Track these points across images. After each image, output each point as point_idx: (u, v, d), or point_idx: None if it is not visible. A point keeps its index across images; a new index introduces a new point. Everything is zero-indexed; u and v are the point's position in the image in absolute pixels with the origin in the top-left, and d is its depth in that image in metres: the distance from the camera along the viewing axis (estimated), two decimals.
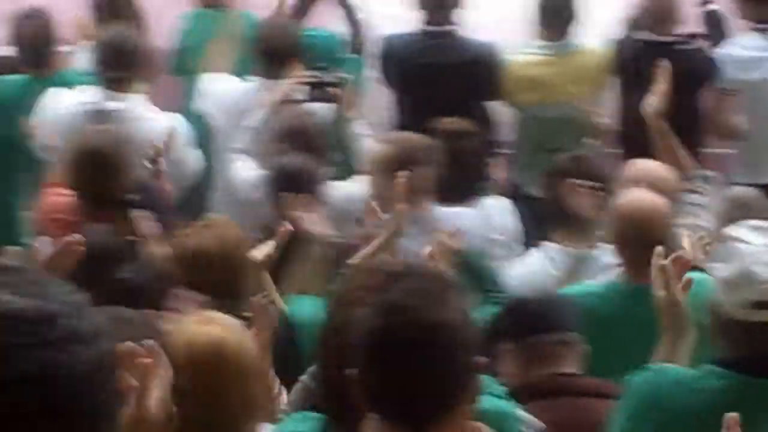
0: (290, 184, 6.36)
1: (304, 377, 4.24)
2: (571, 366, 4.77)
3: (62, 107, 7.53)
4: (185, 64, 8.54)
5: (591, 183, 6.29)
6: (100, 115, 7.32)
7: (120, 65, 7.52)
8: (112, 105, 7.37)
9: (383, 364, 3.00)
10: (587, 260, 6.29)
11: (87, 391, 1.69)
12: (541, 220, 6.84)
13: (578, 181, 6.36)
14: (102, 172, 6.40)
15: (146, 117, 7.37)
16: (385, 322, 2.97)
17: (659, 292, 4.34)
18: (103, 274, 5.06)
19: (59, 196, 6.57)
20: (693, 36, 8.31)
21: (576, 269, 6.25)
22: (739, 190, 6.74)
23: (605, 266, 6.09)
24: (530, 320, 4.88)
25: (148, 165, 6.90)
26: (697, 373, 4.09)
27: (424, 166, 6.44)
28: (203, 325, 3.75)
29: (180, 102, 8.43)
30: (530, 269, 6.28)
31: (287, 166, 6.47)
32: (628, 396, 4.22)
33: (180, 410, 3.31)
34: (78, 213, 6.33)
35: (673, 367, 4.23)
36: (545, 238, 6.46)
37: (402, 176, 6.09)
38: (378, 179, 6.51)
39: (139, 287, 5.20)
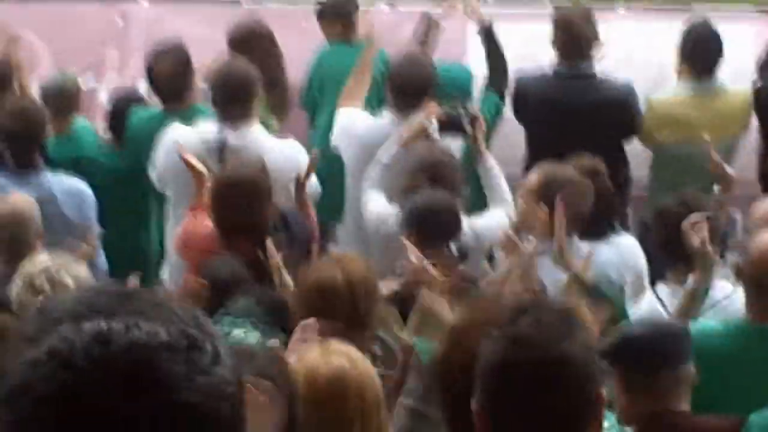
0: (429, 220, 6.39)
1: (409, 401, 4.31)
2: (681, 402, 4.74)
3: (182, 140, 7.57)
4: (314, 98, 8.64)
5: (706, 221, 6.21)
6: (220, 148, 7.41)
7: (237, 99, 7.64)
8: (231, 137, 7.42)
9: (507, 396, 2.94)
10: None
11: (234, 412, 1.67)
12: (658, 258, 6.83)
13: (695, 220, 6.30)
14: (242, 203, 6.53)
15: (266, 147, 7.46)
16: (511, 355, 2.93)
17: None
18: (222, 302, 5.30)
19: (200, 223, 6.71)
20: None
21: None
22: None
23: (718, 303, 6.13)
24: (642, 355, 4.84)
25: (293, 193, 7.00)
26: None
27: (571, 198, 6.43)
28: (327, 356, 3.79)
29: (307, 135, 8.52)
30: (643, 310, 6.25)
31: (428, 202, 6.48)
32: None
33: None
34: (217, 240, 6.49)
35: None
36: (662, 276, 6.46)
37: (558, 204, 6.20)
38: (525, 206, 6.55)
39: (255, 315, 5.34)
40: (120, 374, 1.57)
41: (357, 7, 8.92)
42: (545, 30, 8.44)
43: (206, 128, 7.62)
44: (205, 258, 6.61)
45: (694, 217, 6.39)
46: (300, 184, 6.80)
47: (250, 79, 7.76)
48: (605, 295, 6.17)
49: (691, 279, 6.23)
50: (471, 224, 6.77)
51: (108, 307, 1.64)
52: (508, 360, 2.93)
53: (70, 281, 5.78)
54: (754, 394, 5.09)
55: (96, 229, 7.45)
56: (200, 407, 1.59)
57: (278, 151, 7.42)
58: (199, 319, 1.68)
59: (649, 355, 4.82)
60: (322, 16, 8.79)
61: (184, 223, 7.00)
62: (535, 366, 2.93)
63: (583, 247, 6.56)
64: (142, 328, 1.59)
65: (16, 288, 6.14)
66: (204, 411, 1.59)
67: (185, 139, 7.61)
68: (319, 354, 3.92)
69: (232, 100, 7.66)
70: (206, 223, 6.69)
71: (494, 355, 2.95)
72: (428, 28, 8.68)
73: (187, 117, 7.85)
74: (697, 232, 6.23)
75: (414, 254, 6.10)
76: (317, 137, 8.42)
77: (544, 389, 2.94)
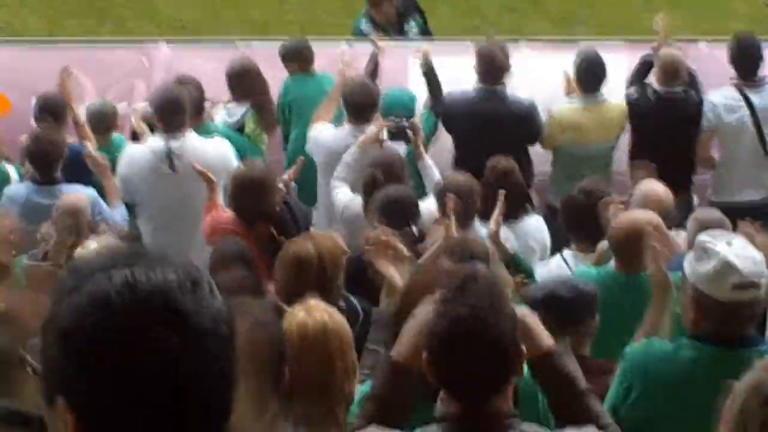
0: (397, 209, 6.37)
1: (373, 345, 4.28)
2: (584, 347, 4.69)
3: (137, 154, 7.58)
4: (284, 118, 8.57)
5: (616, 201, 6.21)
6: (167, 153, 7.38)
7: (174, 114, 7.53)
8: (173, 144, 7.42)
9: (447, 361, 2.99)
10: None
11: (231, 330, 1.73)
12: (564, 232, 6.79)
13: (608, 199, 6.30)
14: (255, 194, 6.46)
15: (200, 148, 7.41)
16: (452, 332, 2.97)
17: (652, 269, 4.61)
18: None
19: (222, 213, 6.70)
20: (688, 88, 8.23)
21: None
22: (700, 211, 6.73)
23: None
24: (568, 313, 4.70)
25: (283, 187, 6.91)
26: (676, 345, 4.09)
27: (468, 198, 6.48)
28: (311, 312, 3.87)
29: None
30: (550, 269, 6.24)
31: (393, 194, 6.49)
32: (624, 364, 4.16)
33: (298, 376, 3.47)
34: (237, 225, 6.46)
35: (659, 340, 4.26)
36: (566, 245, 6.41)
37: (450, 199, 6.16)
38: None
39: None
40: (148, 311, 1.62)
41: (309, 48, 8.82)
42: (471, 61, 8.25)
43: (154, 141, 7.62)
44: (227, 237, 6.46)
45: (611, 198, 6.37)
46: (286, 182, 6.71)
47: (182, 98, 7.72)
48: (520, 263, 6.17)
49: (599, 246, 6.17)
50: None
51: (127, 260, 1.67)
52: (449, 335, 2.96)
53: None
54: (620, 331, 4.90)
55: (109, 220, 7.19)
56: (209, 330, 1.65)
57: (210, 149, 7.51)
58: (192, 264, 1.73)
59: (573, 313, 4.71)
60: (283, 58, 8.70)
61: (209, 216, 6.96)
62: (470, 341, 2.96)
63: (483, 229, 6.55)
64: (158, 274, 1.64)
65: None
66: (212, 332, 1.65)
67: (139, 151, 7.67)
68: (304, 311, 3.88)
69: (170, 115, 7.64)
70: (227, 213, 6.66)
71: (438, 329, 2.98)
72: (375, 65, 8.60)
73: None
74: (612, 210, 6.17)
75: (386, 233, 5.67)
76: (291, 146, 8.41)
77: (477, 358, 2.97)
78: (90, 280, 1.66)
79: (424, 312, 3.16)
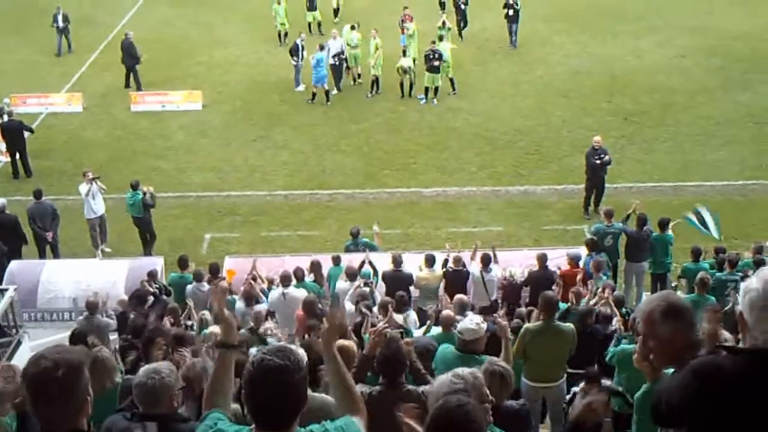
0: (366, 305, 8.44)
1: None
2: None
3: (274, 295, 9.64)
4: (330, 280, 11.07)
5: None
6: (283, 294, 9.54)
7: (287, 282, 9.76)
8: (284, 291, 9.75)
9: (384, 368, 3.95)
10: None
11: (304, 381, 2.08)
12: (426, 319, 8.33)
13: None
14: (309, 308, 7.88)
15: (294, 293, 9.63)
16: (386, 361, 3.97)
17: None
18: None
19: (300, 313, 8.43)
20: (463, 267, 11.11)
21: None
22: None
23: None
24: (428, 356, 5.30)
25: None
26: (450, 351, 4.96)
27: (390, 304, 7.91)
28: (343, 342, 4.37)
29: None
30: (422, 333, 7.36)
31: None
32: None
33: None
34: (303, 318, 7.90)
35: (445, 347, 5.16)
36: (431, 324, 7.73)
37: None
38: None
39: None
40: (265, 373, 2.04)
41: (339, 257, 11.25)
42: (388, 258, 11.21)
43: (276, 291, 9.90)
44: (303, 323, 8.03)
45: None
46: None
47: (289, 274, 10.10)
48: (408, 332, 7.34)
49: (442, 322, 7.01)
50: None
51: (271, 351, 2.13)
52: (385, 361, 3.90)
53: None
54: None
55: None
56: (296, 383, 2.13)
57: (298, 294, 9.59)
58: (289, 350, 2.10)
59: (428, 354, 5.36)
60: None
61: (298, 314, 8.53)
62: (392, 363, 3.92)
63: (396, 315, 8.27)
64: (275, 360, 2.06)
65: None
66: (296, 385, 2.11)
67: (275, 293, 9.79)
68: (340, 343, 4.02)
69: (288, 281, 9.96)
70: (302, 313, 8.13)
71: (381, 358, 3.84)
72: (368, 263, 10.86)
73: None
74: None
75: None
76: (332, 291, 10.83)
77: (395, 367, 3.87)
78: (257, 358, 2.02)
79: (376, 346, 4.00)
